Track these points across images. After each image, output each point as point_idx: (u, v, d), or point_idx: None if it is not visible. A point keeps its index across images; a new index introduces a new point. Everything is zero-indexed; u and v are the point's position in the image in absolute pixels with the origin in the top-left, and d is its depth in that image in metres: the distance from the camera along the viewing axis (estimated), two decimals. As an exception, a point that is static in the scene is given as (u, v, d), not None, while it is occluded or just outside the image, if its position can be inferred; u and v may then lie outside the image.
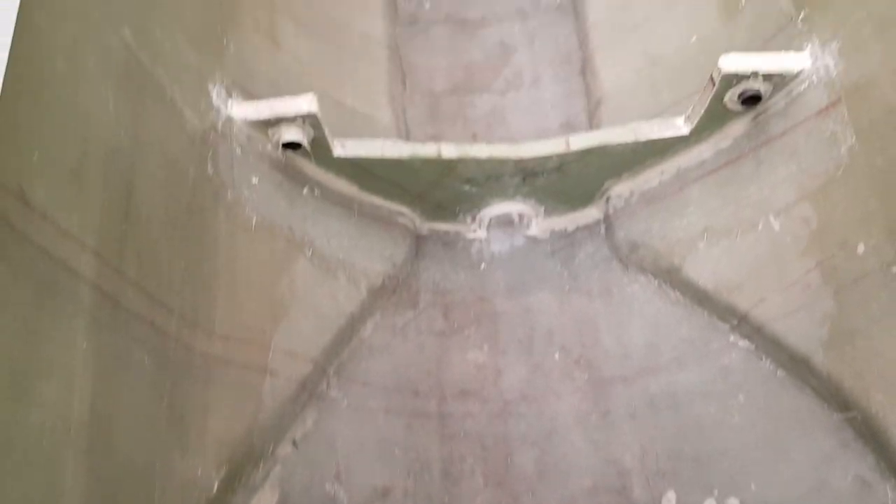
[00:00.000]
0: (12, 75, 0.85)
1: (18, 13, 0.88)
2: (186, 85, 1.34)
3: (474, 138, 2.08)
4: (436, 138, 2.05)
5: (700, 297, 1.62)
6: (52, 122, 0.93)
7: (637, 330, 1.69)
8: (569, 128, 2.04)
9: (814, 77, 1.43)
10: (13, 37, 0.87)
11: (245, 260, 1.43)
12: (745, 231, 1.54)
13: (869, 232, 1.29)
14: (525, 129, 2.07)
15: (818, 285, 1.37)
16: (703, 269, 1.60)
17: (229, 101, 1.48)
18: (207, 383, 1.26)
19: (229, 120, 1.47)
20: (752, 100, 1.50)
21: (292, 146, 1.54)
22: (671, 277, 1.67)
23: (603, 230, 1.84)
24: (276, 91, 1.66)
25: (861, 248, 1.30)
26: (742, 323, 1.54)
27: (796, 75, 1.45)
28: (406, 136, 2.02)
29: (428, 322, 1.79)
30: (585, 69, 2.05)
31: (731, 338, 1.57)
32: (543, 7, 2.27)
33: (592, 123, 1.97)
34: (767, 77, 1.46)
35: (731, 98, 1.50)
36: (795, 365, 1.45)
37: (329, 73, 1.87)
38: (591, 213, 1.86)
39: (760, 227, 1.51)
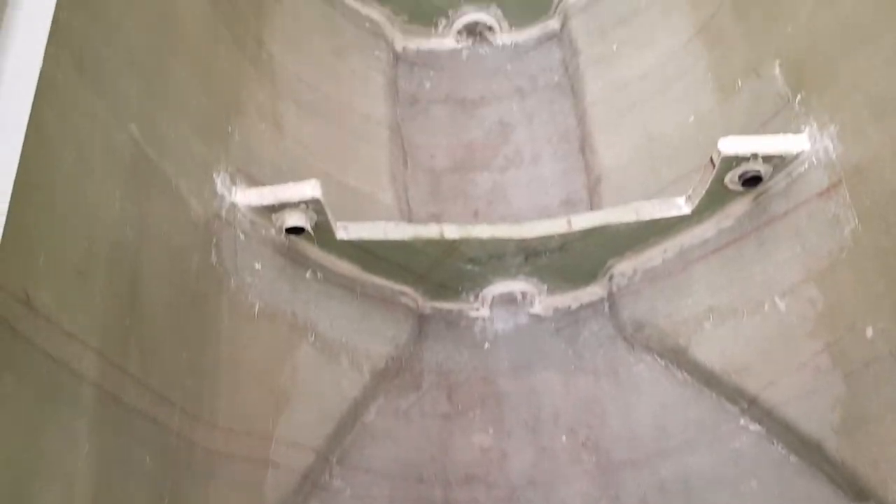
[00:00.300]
0: (22, 179, 0.86)
1: (30, 114, 0.89)
2: (192, 174, 1.35)
3: (476, 216, 2.09)
4: (437, 216, 2.06)
5: (708, 379, 1.60)
6: (59, 223, 0.93)
7: (645, 411, 1.66)
8: (569, 204, 2.05)
9: (813, 159, 1.44)
10: (24, 141, 0.87)
11: (248, 348, 1.42)
12: (751, 311, 1.53)
13: (877, 315, 1.28)
14: (526, 206, 2.08)
15: (828, 369, 1.36)
16: (710, 350, 1.58)
17: (233, 189, 1.49)
18: (209, 480, 1.23)
19: (233, 206, 1.48)
20: (752, 181, 1.51)
21: (295, 231, 1.55)
22: (678, 358, 1.65)
23: (607, 308, 1.83)
24: (280, 175, 1.68)
25: (870, 332, 1.29)
26: (752, 406, 1.52)
27: (796, 157, 1.46)
28: (408, 214, 2.02)
29: (432, 404, 1.76)
30: (584, 146, 2.08)
31: (742, 421, 1.55)
32: (541, 86, 2.30)
33: (593, 200, 1.98)
34: (767, 158, 1.47)
35: (732, 179, 1.51)
36: (808, 450, 1.42)
37: (331, 155, 1.89)
38: (595, 291, 1.86)
39: (766, 307, 1.50)
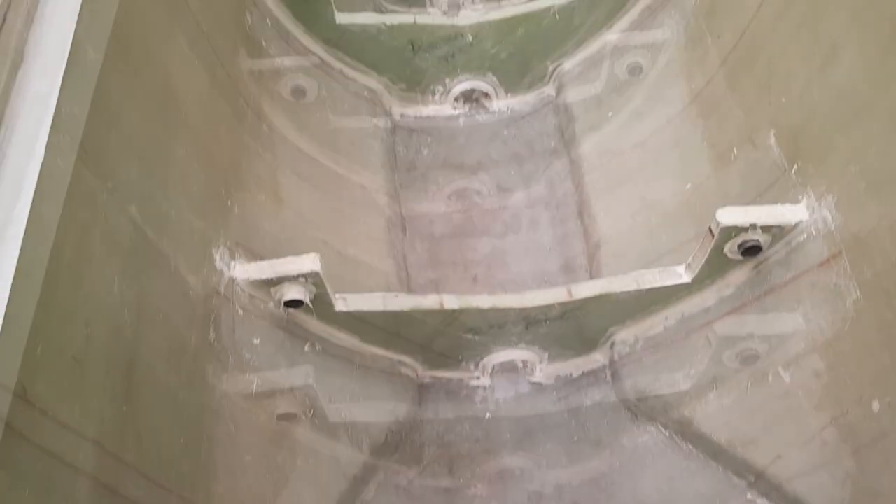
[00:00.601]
0: (21, 270, 0.85)
1: (31, 205, 0.89)
2: (191, 251, 1.35)
3: (475, 282, 2.08)
4: (436, 283, 2.06)
5: (714, 451, 1.57)
6: (57, 313, 0.92)
7: (650, 484, 1.63)
8: (568, 270, 2.04)
9: (812, 229, 1.44)
10: (25, 232, 0.87)
11: (245, 427, 1.39)
12: (756, 382, 1.51)
13: (884, 389, 1.26)
14: (525, 271, 2.08)
15: (836, 443, 1.34)
16: (716, 422, 1.56)
17: (232, 263, 1.48)
18: (206, 566, 1.20)
19: (232, 281, 1.47)
20: (752, 250, 1.51)
21: (294, 304, 1.54)
22: (683, 429, 1.63)
23: (609, 376, 1.81)
24: (279, 246, 1.67)
25: (876, 406, 1.27)
26: (759, 480, 1.49)
27: (794, 226, 1.47)
28: (407, 282, 2.02)
29: (433, 478, 1.73)
30: (582, 212, 2.08)
31: (749, 495, 1.52)
32: (538, 151, 2.32)
33: (592, 267, 1.98)
34: (766, 228, 1.47)
35: (731, 249, 1.51)
36: (818, 526, 1.40)
37: (330, 225, 1.89)
38: (597, 359, 1.84)
39: (771, 378, 1.49)
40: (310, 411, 1.56)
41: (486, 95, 2.44)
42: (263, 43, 1.99)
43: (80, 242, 1.00)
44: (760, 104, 1.64)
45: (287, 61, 2.07)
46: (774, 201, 1.52)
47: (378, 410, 1.72)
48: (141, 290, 1.15)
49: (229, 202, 1.56)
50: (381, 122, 2.31)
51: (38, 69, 0.93)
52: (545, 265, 2.08)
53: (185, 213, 1.35)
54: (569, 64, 2.32)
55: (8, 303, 0.81)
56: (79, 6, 1.03)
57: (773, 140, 1.59)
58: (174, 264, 1.27)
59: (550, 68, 2.37)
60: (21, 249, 0.84)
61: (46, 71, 0.94)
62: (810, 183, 1.47)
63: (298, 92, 2.09)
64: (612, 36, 2.22)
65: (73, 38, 1.00)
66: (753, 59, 1.67)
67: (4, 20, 0.93)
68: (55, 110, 0.94)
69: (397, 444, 1.74)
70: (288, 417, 1.52)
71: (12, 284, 0.82)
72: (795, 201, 1.49)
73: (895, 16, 1.27)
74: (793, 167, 1.52)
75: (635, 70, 2.15)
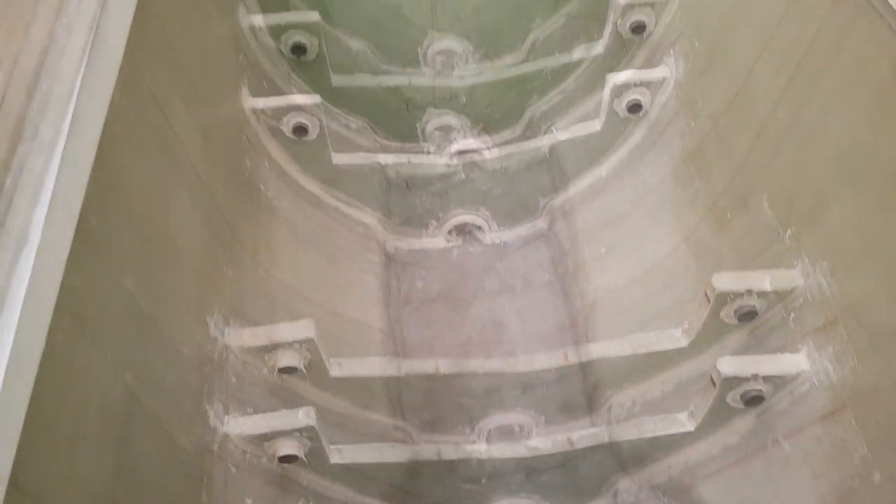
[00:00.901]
0: (20, 457, 0.82)
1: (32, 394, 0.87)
2: (184, 413, 1.32)
3: (469, 342, 2.06)
4: (430, 342, 2.05)
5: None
6: (49, 399, 0.89)
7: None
8: (564, 330, 2.03)
9: (815, 380, 1.43)
10: (24, 421, 0.85)
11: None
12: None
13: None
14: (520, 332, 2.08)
15: None
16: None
17: (226, 418, 1.45)
18: None
19: (225, 438, 1.44)
20: (754, 400, 1.50)
21: (288, 370, 1.52)
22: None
23: (607, 438, 1.75)
24: (273, 309, 1.68)
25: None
26: None
27: (796, 376, 1.46)
28: (402, 343, 1.99)
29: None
30: (578, 273, 2.09)
31: None
32: (532, 285, 2.32)
33: (588, 326, 1.96)
34: (768, 378, 1.47)
35: (734, 398, 1.50)
36: None
37: (325, 285, 1.89)
38: (594, 422, 1.80)
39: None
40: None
41: (479, 228, 2.47)
42: (261, 185, 2.02)
43: (76, 421, 0.98)
44: (753, 168, 1.66)
45: (284, 202, 2.09)
46: (769, 266, 1.53)
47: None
48: (135, 460, 1.12)
49: (224, 268, 1.61)
50: (376, 257, 2.32)
51: (43, 251, 0.93)
52: (540, 325, 2.09)
53: (180, 372, 1.32)
54: (560, 199, 2.37)
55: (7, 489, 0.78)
56: (86, 181, 1.04)
57: (766, 204, 1.60)
58: (168, 430, 1.24)
59: (542, 203, 2.41)
60: (21, 435, 0.82)
61: (51, 253, 0.94)
62: (804, 248, 1.49)
63: (294, 231, 2.10)
64: (603, 171, 2.27)
65: (80, 213, 1.01)
66: (744, 205, 1.70)
67: (10, 204, 0.93)
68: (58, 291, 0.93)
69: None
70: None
71: (11, 472, 0.79)
72: (790, 266, 1.50)
73: (881, 167, 1.30)
74: (787, 232, 1.54)
75: (625, 205, 2.19)
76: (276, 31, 1.99)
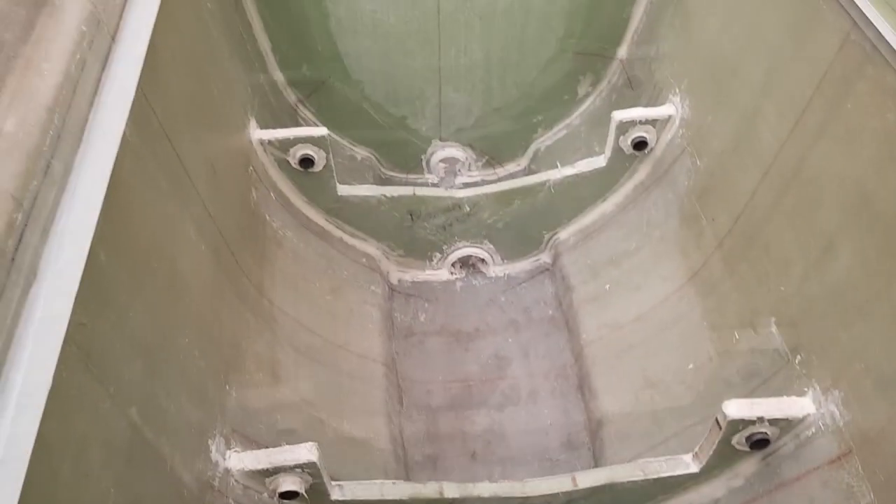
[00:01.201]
0: (24, 491, 0.82)
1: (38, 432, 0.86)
2: (187, 446, 1.31)
3: (473, 457, 2.03)
4: (434, 459, 2.01)
5: None
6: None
7: None
8: (569, 447, 2.00)
9: (820, 424, 1.43)
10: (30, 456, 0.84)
11: None
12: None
13: None
14: (525, 446, 2.04)
15: None
16: None
17: (228, 452, 1.44)
18: None
19: (227, 472, 1.42)
20: (760, 443, 1.48)
21: (289, 495, 1.48)
22: None
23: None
24: (275, 427, 1.64)
25: None
26: None
27: (802, 420, 1.45)
28: (404, 459, 1.96)
29: None
30: (583, 386, 2.06)
31: None
32: (536, 319, 2.33)
33: (595, 446, 1.94)
34: (773, 421, 1.45)
35: (739, 441, 1.49)
36: None
37: (327, 401, 1.85)
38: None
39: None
40: None
41: (483, 261, 2.48)
42: (267, 216, 2.02)
43: (78, 458, 0.97)
44: (760, 290, 1.65)
45: (289, 233, 2.10)
46: (779, 391, 1.51)
47: None
48: (136, 497, 1.11)
49: (227, 386, 1.53)
50: (379, 289, 2.32)
51: (52, 287, 0.93)
52: (546, 441, 2.03)
53: (183, 406, 1.32)
54: (564, 233, 2.37)
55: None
56: (97, 216, 1.04)
57: (774, 328, 1.60)
58: (170, 465, 1.23)
59: (546, 237, 2.42)
60: (27, 471, 0.81)
61: (60, 289, 0.93)
62: (815, 376, 1.47)
63: (299, 262, 2.11)
64: (607, 207, 2.28)
65: (90, 248, 1.01)
66: (750, 245, 1.71)
67: (21, 240, 0.93)
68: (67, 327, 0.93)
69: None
70: None
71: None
72: (801, 393, 1.48)
73: (889, 216, 1.30)
74: (796, 357, 1.52)
75: (630, 241, 2.19)
76: (285, 145, 2.02)
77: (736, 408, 1.44)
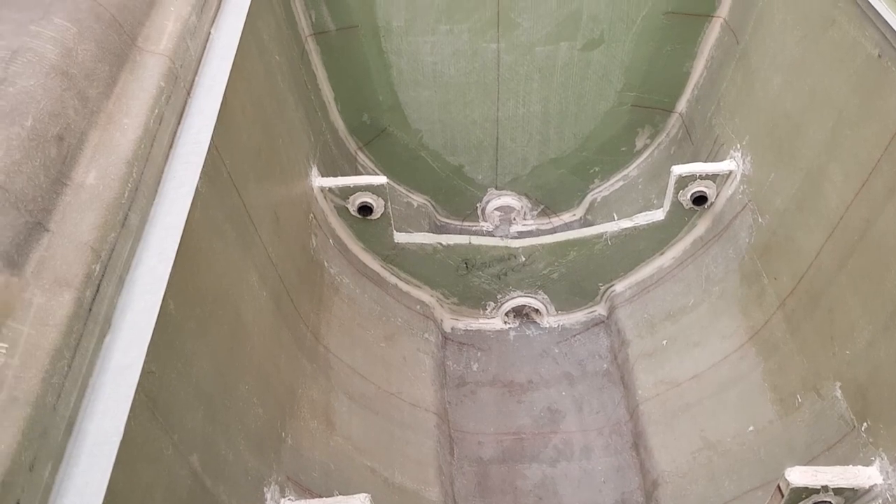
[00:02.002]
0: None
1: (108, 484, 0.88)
2: (244, 494, 1.32)
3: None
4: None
5: None
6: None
7: None
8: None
9: (888, 495, 1.37)
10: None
11: None
12: None
13: None
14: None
15: None
16: None
17: (282, 501, 1.45)
18: None
19: (280, 521, 1.43)
20: (826, 513, 1.43)
21: None
22: None
23: None
24: (328, 475, 1.64)
25: None
26: None
27: (868, 490, 1.40)
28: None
29: None
30: (638, 444, 2.02)
31: None
32: (590, 372, 2.30)
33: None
34: (838, 490, 1.41)
35: (803, 509, 1.44)
36: None
37: (379, 450, 1.85)
38: None
39: None
40: None
41: (537, 311, 2.47)
42: (325, 262, 2.05)
43: (143, 503, 0.99)
44: (824, 353, 1.61)
45: (346, 279, 2.13)
46: (844, 459, 1.46)
47: None
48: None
49: (283, 433, 1.55)
50: (432, 337, 2.33)
51: (126, 337, 0.96)
52: (599, 498, 1.99)
53: (241, 453, 1.33)
54: (620, 286, 2.35)
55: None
56: (170, 267, 1.07)
57: (839, 392, 1.55)
58: (227, 514, 1.24)
59: (602, 289, 2.40)
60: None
61: (134, 339, 0.96)
62: (882, 444, 1.42)
63: (355, 308, 2.13)
64: (665, 261, 2.26)
65: (162, 299, 1.04)
66: (814, 306, 1.67)
67: (98, 290, 0.97)
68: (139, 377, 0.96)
69: None
70: None
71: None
72: (867, 462, 1.43)
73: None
74: (862, 425, 1.47)
75: (688, 296, 2.16)
76: (345, 193, 2.07)
77: (799, 475, 1.39)
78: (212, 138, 1.29)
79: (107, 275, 0.99)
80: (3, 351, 0.82)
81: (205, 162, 1.25)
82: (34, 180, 0.97)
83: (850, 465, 1.42)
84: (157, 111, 1.22)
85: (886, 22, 1.45)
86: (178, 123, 1.29)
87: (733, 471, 1.73)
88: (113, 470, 0.88)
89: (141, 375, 0.97)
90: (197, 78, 1.39)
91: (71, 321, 0.90)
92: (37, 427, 0.81)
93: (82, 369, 0.91)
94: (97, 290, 0.97)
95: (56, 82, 1.08)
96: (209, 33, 1.50)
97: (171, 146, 1.24)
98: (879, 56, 1.51)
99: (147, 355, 0.99)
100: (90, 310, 0.94)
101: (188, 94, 1.35)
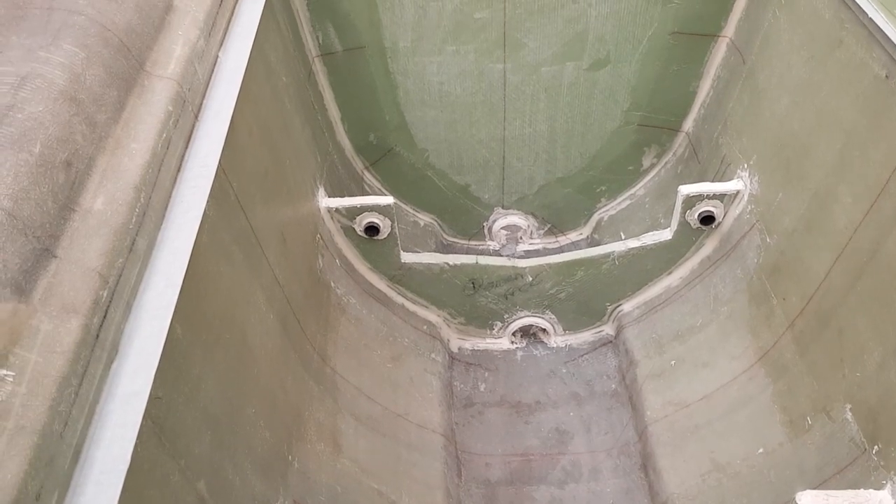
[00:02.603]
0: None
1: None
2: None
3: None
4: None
5: None
6: None
7: None
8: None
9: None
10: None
11: None
12: None
13: None
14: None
15: None
16: None
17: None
18: None
19: (287, 546, 1.42)
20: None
21: None
22: None
23: None
24: (335, 499, 1.63)
25: None
26: None
27: (883, 518, 1.38)
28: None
29: None
30: (647, 465, 2.01)
31: None
32: (598, 393, 2.29)
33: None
34: (852, 518, 1.39)
35: (815, 535, 1.42)
36: None
37: (386, 473, 1.84)
38: None
39: None
40: None
41: (545, 331, 2.46)
42: (332, 283, 2.05)
43: (148, 533, 0.98)
44: (834, 375, 1.60)
45: (352, 299, 2.12)
46: (855, 483, 1.45)
47: None
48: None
49: (290, 456, 1.54)
50: (440, 357, 2.32)
51: (133, 363, 0.96)
52: None
53: (249, 479, 1.33)
54: (628, 306, 2.34)
55: None
56: (177, 292, 1.07)
57: (849, 415, 1.54)
58: (234, 538, 1.24)
59: (609, 309, 2.39)
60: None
61: (141, 365, 0.96)
62: (894, 468, 1.40)
63: (362, 329, 2.12)
64: (673, 280, 2.25)
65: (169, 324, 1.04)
66: (823, 327, 1.66)
67: (106, 316, 0.97)
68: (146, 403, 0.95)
69: None
70: None
71: None
72: (878, 486, 1.41)
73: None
74: (873, 447, 1.46)
75: (696, 316, 2.15)
76: (352, 213, 2.08)
77: (810, 499, 1.38)
78: (219, 162, 1.30)
79: (114, 301, 0.99)
80: (11, 379, 0.82)
81: (212, 185, 1.25)
82: (42, 206, 0.97)
83: (862, 489, 1.40)
84: (164, 135, 1.22)
85: (894, 43, 1.45)
86: (186, 147, 1.29)
87: (743, 494, 1.71)
88: (120, 498, 0.88)
89: (148, 402, 0.97)
90: (205, 102, 1.40)
91: (78, 348, 0.89)
92: (44, 456, 0.81)
93: (89, 396, 0.90)
94: (105, 317, 0.97)
95: (64, 108, 1.08)
96: (217, 57, 1.50)
97: (178, 170, 1.24)
98: (887, 77, 1.51)
99: (154, 381, 0.98)
100: (97, 336, 0.94)
101: (196, 117, 1.35)
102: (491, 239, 2.79)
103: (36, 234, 0.94)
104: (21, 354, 0.85)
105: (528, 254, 2.65)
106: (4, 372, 0.82)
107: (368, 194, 2.51)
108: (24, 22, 1.21)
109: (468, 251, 2.69)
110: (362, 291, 2.20)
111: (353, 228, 2.14)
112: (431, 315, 2.38)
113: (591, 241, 2.66)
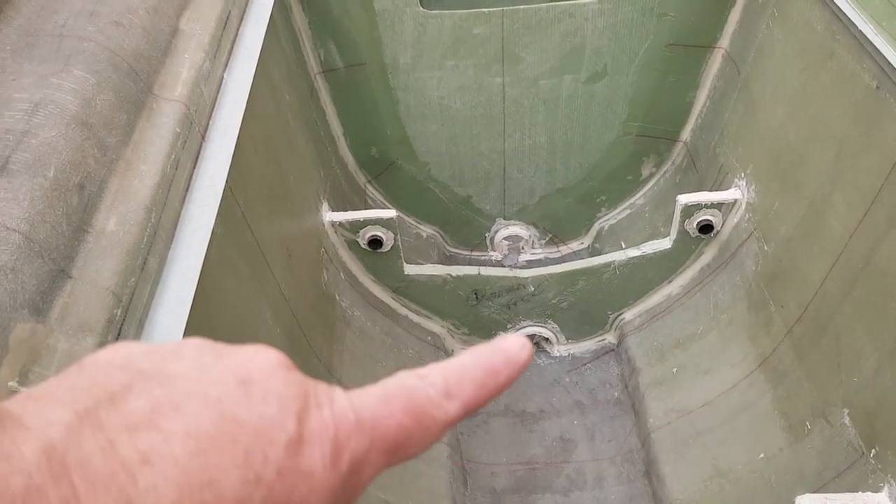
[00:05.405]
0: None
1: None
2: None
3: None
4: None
5: None
6: None
7: None
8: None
9: (902, 529, 1.38)
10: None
11: None
12: None
13: None
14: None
15: None
16: None
17: None
18: None
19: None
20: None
21: None
22: None
23: None
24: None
25: None
26: None
27: (882, 521, 1.40)
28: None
29: None
30: (650, 472, 2.03)
31: None
32: (601, 401, 2.31)
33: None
34: (851, 520, 1.41)
35: (815, 538, 1.45)
36: None
37: (393, 482, 1.87)
38: None
39: None
40: None
41: (548, 340, 2.49)
42: (337, 296, 2.08)
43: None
44: (832, 380, 1.63)
45: (357, 312, 2.16)
46: (854, 486, 1.47)
47: None
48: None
49: None
50: (444, 367, 2.35)
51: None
52: None
53: None
54: (629, 314, 2.37)
55: None
56: (188, 310, 1.10)
57: (847, 419, 1.56)
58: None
59: (611, 317, 2.42)
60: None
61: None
62: (891, 470, 1.43)
63: (367, 341, 2.16)
64: (673, 289, 2.28)
65: (178, 341, 1.07)
66: (821, 333, 1.68)
67: (119, 333, 1.00)
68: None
69: None
70: None
71: None
72: (876, 489, 1.44)
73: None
74: (871, 451, 1.48)
75: (697, 324, 2.18)
76: (356, 227, 2.11)
77: (810, 502, 1.40)
78: (226, 180, 1.33)
79: (128, 319, 1.02)
80: (30, 396, 0.85)
81: (220, 204, 1.28)
82: (57, 229, 1.00)
83: (860, 492, 1.43)
84: (173, 156, 1.25)
85: (883, 55, 1.48)
86: (194, 167, 1.33)
87: (744, 499, 1.74)
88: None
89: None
90: (211, 122, 1.44)
91: (94, 365, 0.92)
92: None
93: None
94: (118, 334, 1.00)
95: (76, 132, 1.12)
96: (222, 78, 1.54)
97: (187, 190, 1.28)
98: (878, 88, 1.54)
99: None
100: None
101: (203, 138, 1.39)
102: (493, 249, 2.82)
103: (52, 256, 0.98)
104: (39, 372, 0.88)
105: (530, 264, 2.69)
106: (24, 390, 0.85)
107: (371, 208, 2.55)
108: (35, 49, 1.25)
109: (471, 262, 2.72)
110: (367, 304, 2.23)
111: (357, 242, 2.18)
112: (435, 326, 2.42)
113: (592, 251, 2.70)
